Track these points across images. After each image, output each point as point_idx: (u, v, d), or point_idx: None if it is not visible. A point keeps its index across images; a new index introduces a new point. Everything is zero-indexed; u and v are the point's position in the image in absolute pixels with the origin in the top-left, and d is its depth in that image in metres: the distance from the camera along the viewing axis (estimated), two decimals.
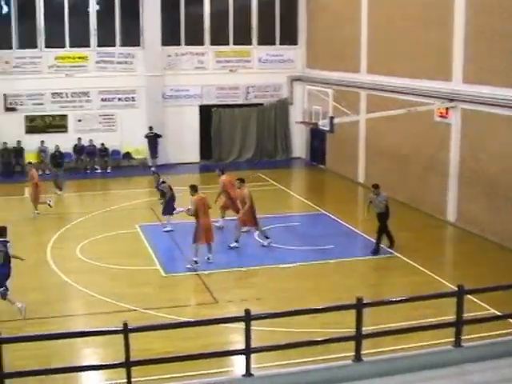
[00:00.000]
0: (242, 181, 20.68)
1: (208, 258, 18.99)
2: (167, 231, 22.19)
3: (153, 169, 26.95)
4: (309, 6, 34.72)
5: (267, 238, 20.75)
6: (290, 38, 35.74)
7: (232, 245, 20.36)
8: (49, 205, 24.52)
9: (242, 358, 10.05)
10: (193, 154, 34.85)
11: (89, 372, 12.60)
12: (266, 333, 13.02)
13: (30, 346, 11.90)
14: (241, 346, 10.62)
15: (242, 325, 10.21)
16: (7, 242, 15.73)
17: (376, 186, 20.29)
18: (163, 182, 22.89)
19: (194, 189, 18.94)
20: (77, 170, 32.65)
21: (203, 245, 18.83)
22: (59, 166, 29.37)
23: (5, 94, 32.51)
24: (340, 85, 29.31)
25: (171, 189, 22.62)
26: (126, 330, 9.71)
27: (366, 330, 10.55)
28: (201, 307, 16.55)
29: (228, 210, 22.30)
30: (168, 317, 15.08)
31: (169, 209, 22.48)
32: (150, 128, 33.13)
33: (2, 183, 30.27)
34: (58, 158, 30.03)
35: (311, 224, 24.03)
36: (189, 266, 18.58)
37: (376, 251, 20.00)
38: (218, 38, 34.82)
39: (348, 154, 30.65)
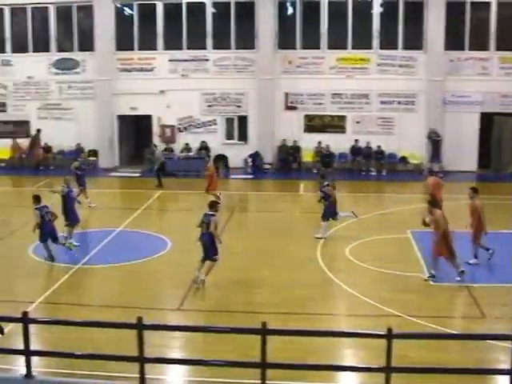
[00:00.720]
0: (474, 191, 19.32)
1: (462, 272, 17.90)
2: (318, 238, 21.55)
3: (321, 172, 26.46)
4: None
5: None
6: None
7: (471, 261, 19.17)
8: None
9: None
10: (470, 163, 33.61)
11: (346, 373, 12.55)
12: None
13: (293, 339, 12.10)
14: (506, 365, 9.97)
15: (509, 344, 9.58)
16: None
17: None
18: (327, 185, 22.35)
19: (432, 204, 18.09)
20: (352, 171, 32.94)
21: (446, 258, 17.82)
22: (327, 166, 29.78)
23: (286, 93, 33.61)
24: None
25: (332, 192, 21.97)
26: (389, 336, 9.52)
27: None
28: (466, 320, 15.83)
29: None
30: (431, 326, 14.61)
31: (329, 213, 21.88)
32: (434, 132, 32.43)
33: (279, 179, 31.30)
34: (326, 157, 30.46)
35: None
36: (458, 278, 17.79)
37: None
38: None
39: None
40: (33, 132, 35.54)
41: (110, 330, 12.19)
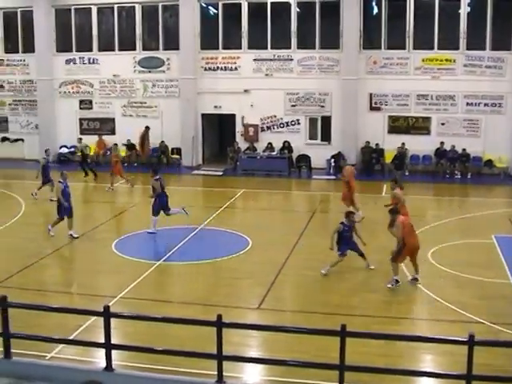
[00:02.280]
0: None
1: None
2: None
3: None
4: None
5: None
6: None
7: None
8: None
9: None
10: None
11: (425, 378, 12.32)
12: None
13: (371, 342, 11.97)
14: None
15: None
16: None
17: None
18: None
19: None
20: (435, 174, 32.41)
21: None
22: (400, 168, 29.34)
23: (371, 94, 33.30)
24: None
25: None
26: (471, 342, 9.31)
27: None
28: None
29: None
30: None
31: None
32: None
33: (361, 180, 31.02)
34: (399, 158, 29.99)
35: None
36: None
37: None
38: None
39: None
40: (117, 129, 36.16)
41: (189, 326, 12.28)
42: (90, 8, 36.08)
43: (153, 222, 22.43)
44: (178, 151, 35.65)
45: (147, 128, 35.31)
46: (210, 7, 35.55)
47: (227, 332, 10.79)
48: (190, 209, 23.25)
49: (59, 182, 22.55)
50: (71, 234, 21.95)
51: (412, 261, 17.61)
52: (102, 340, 11.28)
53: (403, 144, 32.31)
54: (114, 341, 11.23)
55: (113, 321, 11.18)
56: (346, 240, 18.22)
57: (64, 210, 21.98)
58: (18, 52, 37.60)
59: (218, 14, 35.02)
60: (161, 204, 22.47)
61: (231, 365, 11.71)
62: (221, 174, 33.61)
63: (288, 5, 34.00)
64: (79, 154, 33.12)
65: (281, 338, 13.23)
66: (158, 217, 22.41)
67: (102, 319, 11.18)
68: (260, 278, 17.97)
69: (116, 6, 35.80)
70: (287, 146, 34.11)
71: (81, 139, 33.64)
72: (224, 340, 10.32)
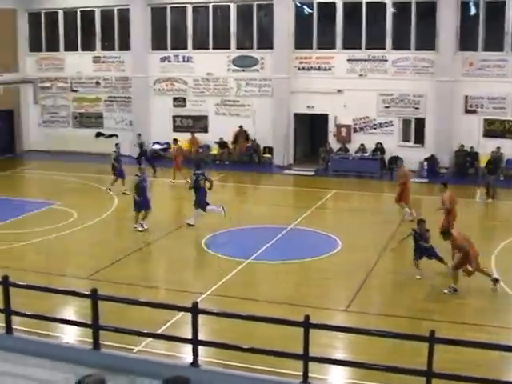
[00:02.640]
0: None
1: None
2: None
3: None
4: None
5: None
6: None
7: None
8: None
9: None
10: None
11: None
12: None
13: (465, 350, 11.66)
14: None
15: None
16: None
17: None
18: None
19: None
20: None
21: None
22: (494, 173, 28.51)
23: (466, 96, 32.53)
24: None
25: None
26: None
27: None
28: None
29: None
30: None
31: None
32: None
33: (454, 184, 30.35)
34: (494, 163, 29.13)
35: None
36: None
37: None
38: None
39: None
40: (209, 127, 36.47)
41: (275, 325, 12.22)
42: (186, 7, 36.48)
43: (195, 214, 23.08)
44: (269, 150, 35.70)
45: (241, 127, 35.47)
46: (304, 6, 35.44)
47: (314, 333, 10.67)
48: (280, 208, 23.23)
49: (136, 175, 23.17)
50: (141, 224, 22.54)
51: (478, 269, 17.07)
52: (188, 336, 11.32)
53: (498, 148, 31.41)
54: (200, 337, 11.26)
55: (200, 317, 11.21)
56: (420, 247, 17.92)
57: (141, 203, 22.59)
58: (114, 49, 38.35)
59: (312, 13, 34.87)
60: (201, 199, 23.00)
61: (317, 366, 11.58)
62: (312, 174, 33.46)
63: (383, 5, 33.55)
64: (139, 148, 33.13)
65: (367, 341, 13.03)
66: (200, 211, 23.04)
67: (189, 315, 11.22)
68: (349, 280, 17.80)
69: (211, 4, 36.10)
70: (380, 148, 33.70)
71: (139, 134, 33.97)
72: (311, 341, 10.20)
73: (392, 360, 11.95)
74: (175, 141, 31.74)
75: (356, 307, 16.10)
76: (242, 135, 35.60)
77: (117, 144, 30.56)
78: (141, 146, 32.81)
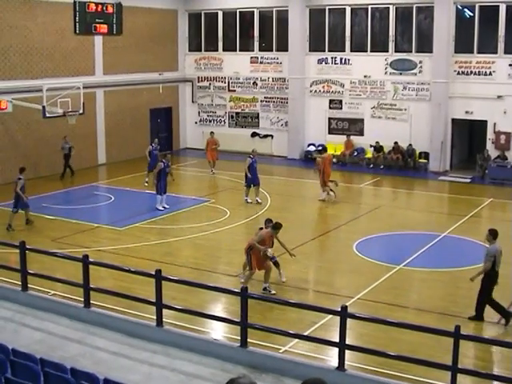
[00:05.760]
0: None
1: None
2: None
3: None
4: None
5: None
6: None
7: None
8: None
9: None
10: None
11: None
12: None
13: None
14: None
15: None
16: None
17: None
18: None
19: None
20: None
21: None
22: None
23: None
24: None
25: None
26: None
27: None
28: None
29: None
30: None
31: None
32: None
33: None
34: None
35: None
36: None
37: None
38: None
39: None
40: (365, 131, 36.20)
41: (423, 333, 11.99)
42: (344, 8, 36.38)
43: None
44: (425, 155, 35.02)
45: (396, 143, 34.84)
46: (465, 9, 34.51)
47: (463, 344, 10.38)
48: (433, 215, 22.72)
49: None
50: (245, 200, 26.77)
51: None
52: (335, 339, 11.31)
53: None
54: (347, 341, 11.22)
55: (348, 321, 11.17)
56: None
57: (250, 179, 26.71)
58: (271, 50, 38.82)
59: (473, 16, 33.89)
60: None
61: (464, 378, 11.26)
62: (468, 181, 32.54)
63: None
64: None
65: None
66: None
67: (337, 318, 11.20)
68: (501, 293, 17.16)
69: (370, 6, 35.81)
70: None
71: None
72: (460, 352, 9.94)
73: None
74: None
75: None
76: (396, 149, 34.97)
77: (154, 140, 32.50)
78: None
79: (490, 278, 15.34)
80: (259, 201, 26.60)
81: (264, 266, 17.01)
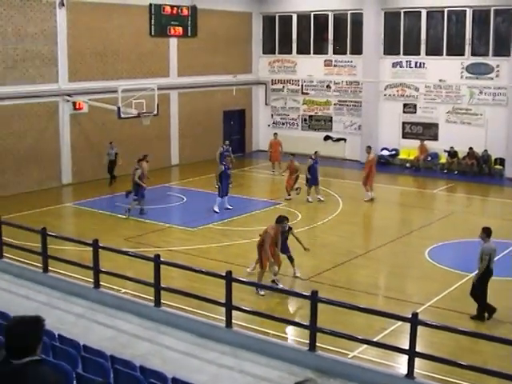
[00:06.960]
0: None
1: None
2: None
3: None
4: None
5: None
6: None
7: None
8: None
9: None
10: None
11: None
12: None
13: None
14: None
15: None
16: None
17: None
18: None
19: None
20: None
21: None
22: None
23: None
24: None
25: None
26: None
27: None
28: None
29: None
30: None
31: None
32: None
33: None
34: None
35: None
36: None
37: None
38: None
39: None
40: (440, 135, 35.68)
41: (496, 344, 11.74)
42: (420, 12, 35.94)
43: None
44: (501, 161, 34.30)
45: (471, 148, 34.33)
46: None
47: None
48: (507, 222, 22.22)
49: (310, 158, 27.81)
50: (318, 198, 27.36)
51: None
52: (405, 346, 11.15)
53: None
54: (417, 348, 11.05)
55: (419, 328, 11.01)
56: None
57: (311, 180, 27.38)
58: (345, 53, 38.60)
59: None
60: None
61: None
62: None
63: None
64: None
65: None
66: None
67: (408, 325, 11.05)
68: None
69: (446, 9, 35.26)
70: None
71: (276, 133, 35.31)
72: None
73: None
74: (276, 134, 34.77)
75: None
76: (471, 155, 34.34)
77: (225, 141, 33.41)
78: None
79: (484, 275, 15.62)
80: (321, 199, 27.38)
81: (276, 261, 17.24)
